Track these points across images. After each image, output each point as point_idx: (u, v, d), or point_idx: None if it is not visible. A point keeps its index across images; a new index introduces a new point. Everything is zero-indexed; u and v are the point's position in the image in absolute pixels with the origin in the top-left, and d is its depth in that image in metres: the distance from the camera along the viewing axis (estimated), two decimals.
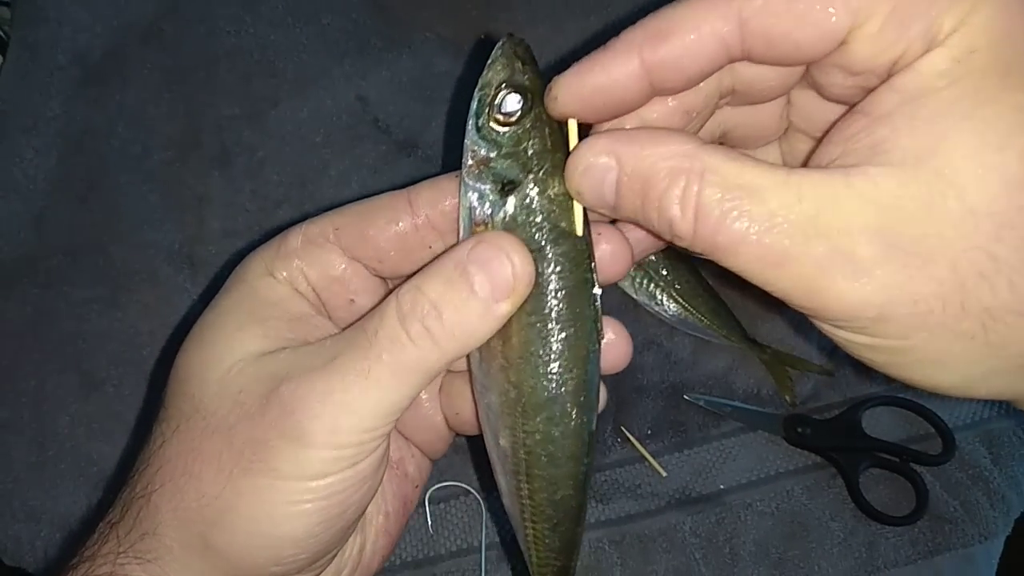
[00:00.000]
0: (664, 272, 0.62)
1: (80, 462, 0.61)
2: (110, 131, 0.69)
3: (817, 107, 0.33)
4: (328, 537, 0.34)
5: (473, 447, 0.60)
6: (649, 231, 0.32)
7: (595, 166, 0.31)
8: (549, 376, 0.34)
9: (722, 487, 0.60)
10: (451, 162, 0.35)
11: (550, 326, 0.34)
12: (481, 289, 0.32)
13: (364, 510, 0.36)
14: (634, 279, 0.62)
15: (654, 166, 0.30)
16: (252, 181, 0.68)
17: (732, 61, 0.30)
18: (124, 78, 0.70)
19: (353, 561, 0.39)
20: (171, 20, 0.72)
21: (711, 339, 0.63)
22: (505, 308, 0.32)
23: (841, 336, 0.29)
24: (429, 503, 0.59)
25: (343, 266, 0.37)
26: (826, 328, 0.30)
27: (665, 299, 0.62)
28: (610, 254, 0.36)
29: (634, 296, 0.63)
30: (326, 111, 0.69)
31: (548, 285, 0.34)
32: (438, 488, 0.59)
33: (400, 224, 0.36)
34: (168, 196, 0.67)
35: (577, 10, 0.71)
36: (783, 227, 0.27)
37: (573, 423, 0.35)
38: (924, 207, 0.26)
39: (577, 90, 0.31)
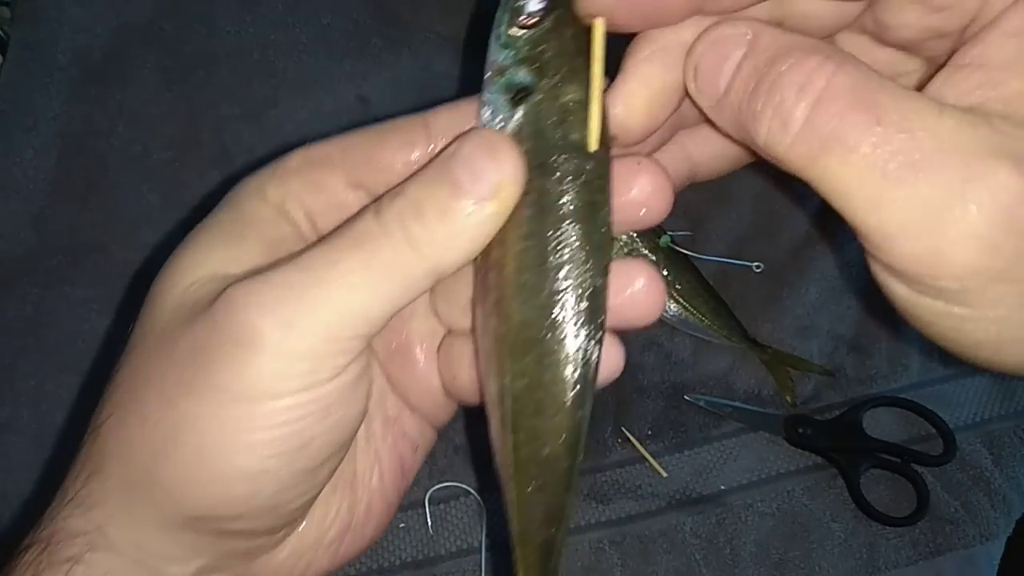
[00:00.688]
0: (665, 272, 0.62)
1: None
2: (110, 131, 0.68)
3: (867, 53, 0.30)
4: (287, 475, 0.29)
5: (473, 447, 0.60)
6: (741, 138, 0.27)
7: (730, 37, 0.27)
8: (540, 310, 0.30)
9: (723, 488, 0.60)
10: None
11: (547, 252, 0.30)
12: (465, 187, 0.28)
13: (336, 451, 0.31)
14: None
15: (787, 45, 0.25)
16: None
17: None
18: (124, 78, 0.70)
19: (341, 522, 0.34)
20: (171, 20, 0.72)
21: (712, 339, 0.63)
22: (491, 208, 0.28)
23: (932, 308, 0.25)
24: (429, 503, 0.59)
25: (345, 193, 0.33)
26: (912, 301, 0.25)
27: (666, 299, 0.62)
28: (651, 189, 0.31)
29: None
30: (327, 111, 0.69)
31: (549, 207, 0.30)
32: (438, 488, 0.59)
33: (414, 151, 0.32)
34: (168, 196, 0.67)
35: None
36: (916, 134, 0.23)
37: (566, 368, 0.30)
38: None
39: None
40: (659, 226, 0.63)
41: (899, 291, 0.25)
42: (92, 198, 0.67)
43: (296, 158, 0.33)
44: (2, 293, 0.64)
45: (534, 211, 0.29)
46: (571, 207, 0.30)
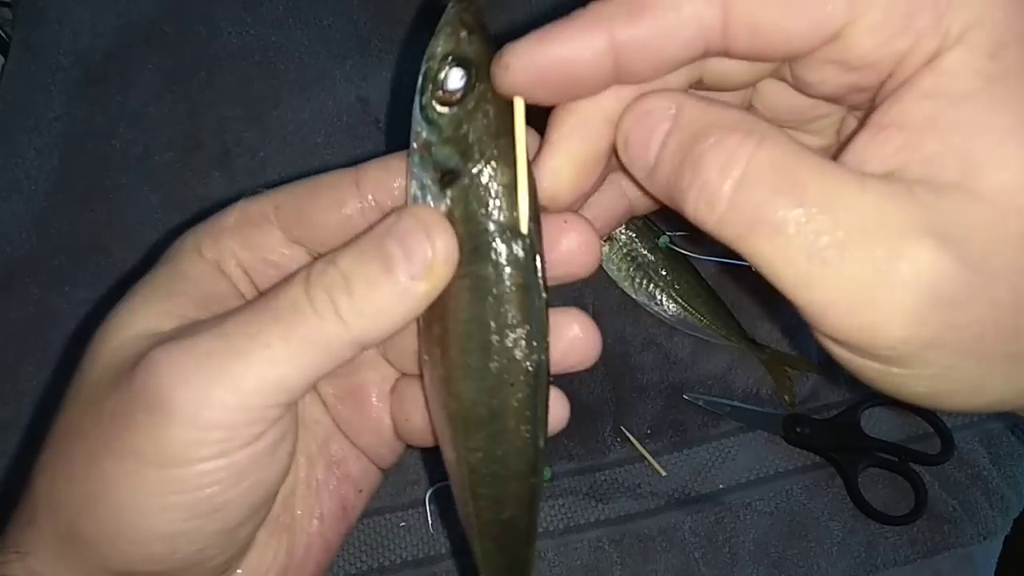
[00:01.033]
0: (663, 272, 0.62)
1: None
2: (112, 132, 0.69)
3: (787, 98, 0.30)
4: (203, 537, 0.30)
5: None
6: (675, 208, 0.28)
7: (656, 111, 0.27)
8: (489, 390, 0.31)
9: (721, 486, 0.60)
10: (394, 139, 0.33)
11: (488, 335, 0.30)
12: (396, 264, 0.28)
13: (254, 512, 0.31)
14: (634, 279, 0.63)
15: (710, 122, 0.26)
16: (253, 182, 0.68)
17: (709, 55, 0.27)
18: (126, 79, 0.70)
19: (279, 565, 0.35)
20: (172, 21, 0.72)
21: (710, 339, 0.63)
22: (422, 288, 0.28)
23: (872, 368, 0.26)
24: (429, 503, 0.59)
25: (282, 250, 0.33)
26: (853, 361, 0.26)
27: (664, 299, 0.62)
28: (577, 245, 0.31)
29: (633, 296, 0.63)
30: (327, 112, 0.69)
31: (486, 289, 0.30)
32: (439, 488, 0.59)
33: (346, 207, 0.32)
34: (170, 197, 0.67)
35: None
36: (839, 213, 0.23)
37: (518, 440, 0.32)
38: (988, 224, 0.23)
39: (533, 60, 0.27)
40: (658, 227, 0.63)
41: (840, 353, 0.26)
42: (94, 199, 0.67)
43: (232, 215, 0.34)
44: (4, 294, 0.65)
45: (472, 295, 0.30)
46: (508, 289, 0.30)
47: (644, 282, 0.62)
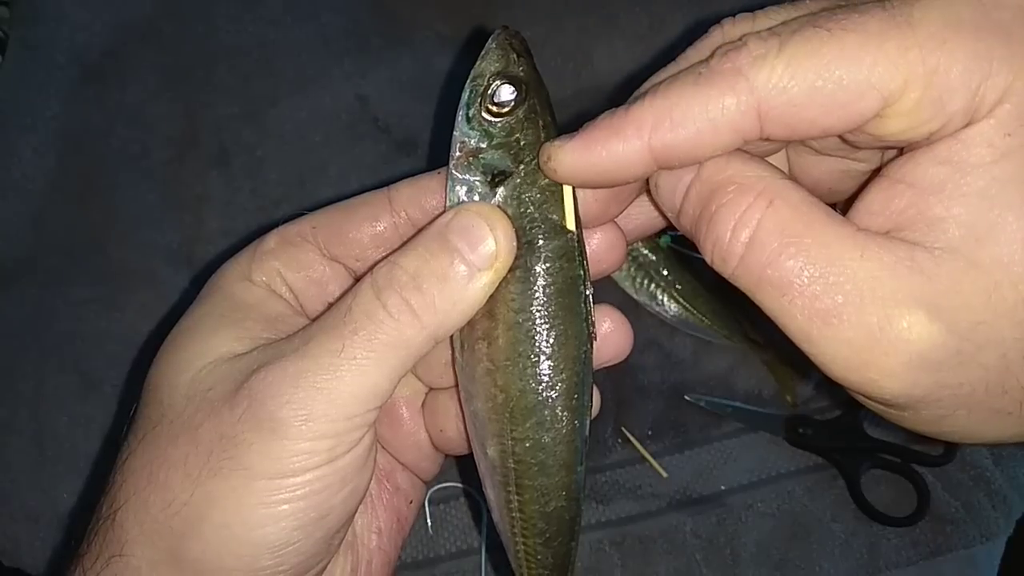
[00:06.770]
0: (665, 272, 0.62)
1: (79, 463, 0.61)
2: (109, 130, 0.68)
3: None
4: (308, 546, 0.31)
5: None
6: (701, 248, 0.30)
7: None
8: (538, 378, 0.32)
9: (723, 488, 0.60)
10: (438, 159, 0.34)
11: (539, 325, 0.32)
12: (462, 257, 0.30)
13: (348, 519, 0.33)
14: (635, 279, 0.62)
15: (728, 178, 0.28)
16: (251, 181, 0.67)
17: (748, 142, 0.28)
18: (123, 77, 0.70)
19: None
20: (170, 19, 0.71)
21: (712, 339, 0.63)
22: (488, 278, 0.30)
23: (874, 406, 0.28)
24: (429, 504, 0.59)
25: (322, 267, 0.35)
26: (858, 398, 0.29)
27: (666, 299, 0.62)
28: (605, 244, 0.34)
29: (635, 296, 0.63)
30: (325, 110, 0.69)
31: (537, 281, 0.32)
32: (438, 489, 0.59)
33: (380, 223, 0.34)
34: (167, 196, 0.67)
35: (577, 7, 0.70)
36: (838, 279, 0.26)
37: (565, 428, 0.33)
38: (982, 295, 0.25)
39: (576, 163, 0.30)
40: None
41: (847, 389, 0.29)
42: (91, 198, 0.67)
43: (272, 239, 0.36)
44: (0, 293, 0.64)
45: (523, 286, 0.32)
46: (557, 281, 0.32)
47: (645, 282, 0.62)
